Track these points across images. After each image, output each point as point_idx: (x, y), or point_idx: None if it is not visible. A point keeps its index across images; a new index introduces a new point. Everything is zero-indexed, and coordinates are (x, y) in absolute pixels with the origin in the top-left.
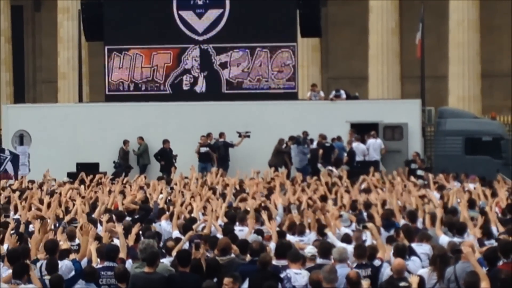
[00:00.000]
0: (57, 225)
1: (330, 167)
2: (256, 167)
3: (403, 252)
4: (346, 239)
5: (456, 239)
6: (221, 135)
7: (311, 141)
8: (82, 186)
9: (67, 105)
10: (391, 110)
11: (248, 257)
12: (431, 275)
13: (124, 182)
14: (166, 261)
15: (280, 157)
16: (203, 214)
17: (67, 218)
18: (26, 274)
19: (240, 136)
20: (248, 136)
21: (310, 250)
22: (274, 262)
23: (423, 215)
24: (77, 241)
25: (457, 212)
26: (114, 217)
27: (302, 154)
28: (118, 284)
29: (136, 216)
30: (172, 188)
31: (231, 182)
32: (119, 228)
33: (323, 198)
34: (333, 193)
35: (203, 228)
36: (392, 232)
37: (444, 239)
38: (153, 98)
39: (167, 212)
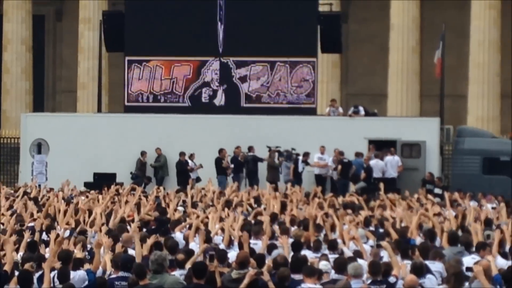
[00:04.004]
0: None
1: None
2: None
3: (421, 270)
4: (356, 255)
5: (477, 257)
6: (250, 148)
7: (298, 155)
8: (100, 196)
9: (86, 115)
10: (410, 128)
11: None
12: None
13: (141, 193)
14: (177, 273)
15: (274, 172)
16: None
17: (79, 228)
18: (31, 282)
19: (270, 150)
20: (279, 152)
21: (323, 266)
22: None
23: (441, 234)
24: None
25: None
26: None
27: (286, 169)
28: None
29: (152, 227)
30: (184, 202)
31: (245, 196)
32: (136, 237)
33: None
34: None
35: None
36: None
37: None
38: (172, 110)
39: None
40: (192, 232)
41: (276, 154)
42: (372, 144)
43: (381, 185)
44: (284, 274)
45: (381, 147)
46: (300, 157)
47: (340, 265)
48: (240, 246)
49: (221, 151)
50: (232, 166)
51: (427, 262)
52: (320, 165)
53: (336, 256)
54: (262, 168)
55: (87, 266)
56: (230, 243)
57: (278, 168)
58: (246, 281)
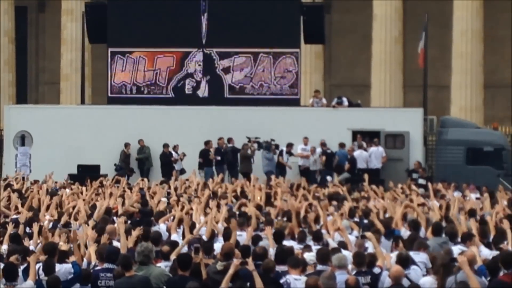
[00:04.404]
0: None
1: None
2: (256, 172)
3: (407, 262)
4: (341, 245)
5: (463, 248)
6: (230, 140)
7: (277, 146)
8: (84, 188)
9: (69, 106)
10: (393, 119)
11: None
12: (434, 283)
13: (125, 185)
14: (162, 265)
15: (247, 162)
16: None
17: (63, 220)
18: (16, 275)
19: (249, 141)
20: (258, 142)
21: (310, 257)
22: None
23: (425, 224)
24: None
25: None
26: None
27: (265, 159)
28: None
29: (137, 219)
30: (169, 193)
31: (230, 187)
32: (121, 228)
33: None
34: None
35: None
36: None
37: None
38: (155, 102)
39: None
40: (175, 224)
41: (256, 145)
42: (359, 134)
43: (366, 176)
44: (269, 266)
45: (364, 138)
46: (284, 148)
47: (323, 256)
48: (227, 236)
49: (207, 143)
50: (218, 158)
51: (411, 253)
52: (303, 155)
53: (320, 247)
54: None
55: (72, 258)
56: (212, 236)
57: (251, 159)
58: (231, 271)
